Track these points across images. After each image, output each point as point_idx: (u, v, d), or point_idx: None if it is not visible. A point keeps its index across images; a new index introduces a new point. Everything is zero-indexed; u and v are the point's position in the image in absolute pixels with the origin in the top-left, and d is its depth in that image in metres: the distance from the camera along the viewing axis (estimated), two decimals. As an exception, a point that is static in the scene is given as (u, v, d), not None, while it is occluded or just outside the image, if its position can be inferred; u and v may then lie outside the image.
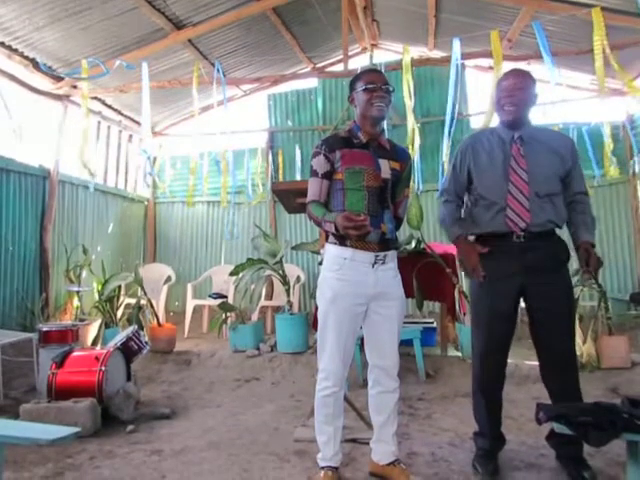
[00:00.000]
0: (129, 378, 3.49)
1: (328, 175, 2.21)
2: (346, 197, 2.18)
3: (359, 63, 6.65)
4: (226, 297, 5.34)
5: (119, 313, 5.18)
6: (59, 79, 5.33)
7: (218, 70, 5.30)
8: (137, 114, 6.64)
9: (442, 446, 2.66)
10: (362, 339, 2.38)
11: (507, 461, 2.41)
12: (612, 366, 3.85)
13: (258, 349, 4.67)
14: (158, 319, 5.09)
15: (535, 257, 2.20)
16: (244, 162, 6.89)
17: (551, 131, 2.57)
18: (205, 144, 6.82)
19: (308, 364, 4.24)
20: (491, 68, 5.70)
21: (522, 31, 5.28)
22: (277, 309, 5.66)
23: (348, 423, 2.69)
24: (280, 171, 7.15)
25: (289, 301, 4.83)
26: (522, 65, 4.20)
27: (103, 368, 3.15)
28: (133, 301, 5.20)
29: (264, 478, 2.34)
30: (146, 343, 3.81)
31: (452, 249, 4.13)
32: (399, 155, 2.31)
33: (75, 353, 3.33)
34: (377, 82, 2.18)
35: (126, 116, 6.85)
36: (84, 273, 5.40)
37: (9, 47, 4.67)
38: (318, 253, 4.06)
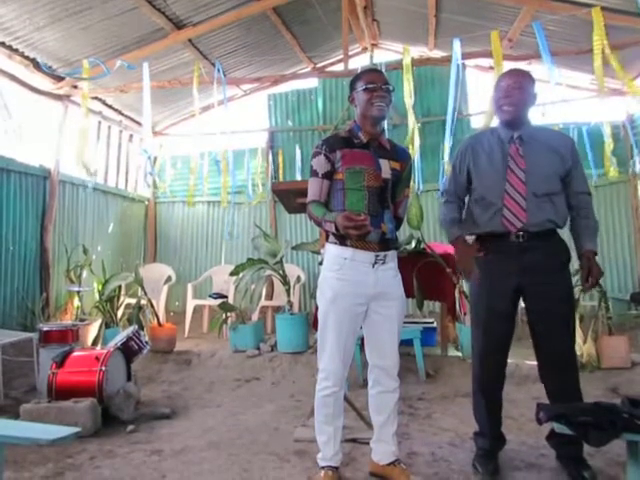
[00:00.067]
0: (129, 378, 3.49)
1: (328, 175, 2.21)
2: (346, 197, 2.18)
3: (359, 63, 6.66)
4: (226, 297, 5.33)
5: (119, 313, 5.18)
6: (59, 79, 5.33)
7: (218, 70, 5.30)
8: (137, 114, 6.65)
9: (442, 446, 2.66)
10: (362, 339, 2.38)
11: (507, 461, 2.41)
12: (612, 366, 3.85)
13: (258, 349, 4.67)
14: (158, 319, 5.09)
15: (534, 257, 2.20)
16: (244, 162, 6.89)
17: (551, 130, 2.57)
18: (205, 144, 6.84)
19: (308, 364, 4.24)
20: (491, 68, 5.70)
21: (523, 31, 5.27)
22: (277, 309, 5.66)
23: (348, 423, 2.69)
24: (280, 171, 7.15)
25: (289, 301, 4.83)
26: (522, 65, 4.20)
27: (103, 368, 3.15)
28: (133, 301, 5.20)
29: (264, 478, 2.34)
30: (146, 343, 3.81)
31: (452, 249, 4.12)
32: (399, 155, 2.31)
33: (75, 353, 3.33)
34: (377, 82, 2.18)
35: (126, 116, 6.85)
36: (84, 273, 5.40)
37: (9, 47, 4.67)
38: (318, 253, 4.06)
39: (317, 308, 2.37)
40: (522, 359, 3.79)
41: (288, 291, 4.85)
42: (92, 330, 4.89)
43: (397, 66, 5.23)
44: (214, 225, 7.31)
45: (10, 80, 4.91)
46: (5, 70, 4.82)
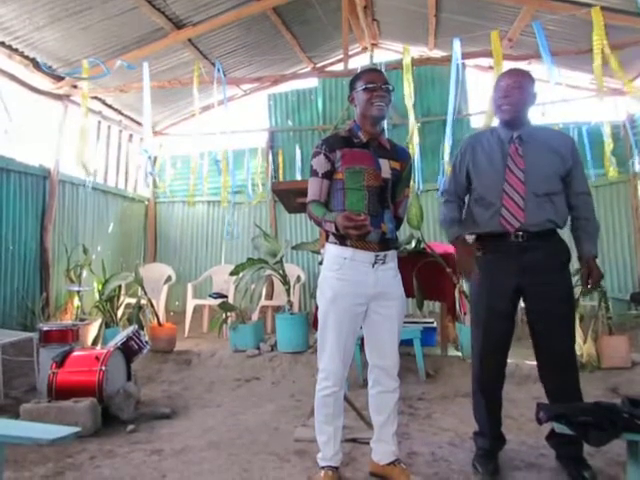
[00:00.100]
0: (129, 378, 3.49)
1: (328, 175, 2.21)
2: (346, 197, 2.18)
3: (359, 63, 6.65)
4: (226, 297, 5.33)
5: (119, 313, 5.18)
6: (59, 79, 5.33)
7: (218, 70, 5.30)
8: (137, 114, 6.65)
9: (442, 446, 2.66)
10: (362, 339, 2.38)
11: (507, 461, 2.41)
12: (612, 366, 3.85)
13: (258, 349, 4.67)
14: (158, 319, 5.09)
15: (533, 257, 2.20)
16: (244, 162, 6.89)
17: (551, 130, 2.57)
18: (205, 144, 6.82)
19: (308, 364, 4.24)
20: (491, 68, 5.70)
21: (523, 31, 5.27)
22: (277, 309, 5.66)
23: (348, 423, 2.69)
24: (280, 171, 7.16)
25: (289, 301, 4.83)
26: (522, 65, 4.20)
27: (103, 368, 3.15)
28: (133, 301, 5.20)
29: (264, 478, 2.34)
30: (146, 343, 3.81)
31: (452, 249, 4.12)
32: (399, 155, 2.31)
33: (75, 353, 3.33)
34: (377, 81, 2.18)
35: (126, 116, 6.85)
36: (84, 273, 5.40)
37: (9, 47, 4.67)
38: (318, 253, 4.06)
39: (317, 308, 2.37)
40: (522, 359, 3.79)
41: (288, 291, 4.85)
42: (92, 330, 4.89)
43: (397, 66, 5.23)
44: (214, 225, 7.31)
45: (10, 80, 4.91)
46: (5, 70, 4.82)
